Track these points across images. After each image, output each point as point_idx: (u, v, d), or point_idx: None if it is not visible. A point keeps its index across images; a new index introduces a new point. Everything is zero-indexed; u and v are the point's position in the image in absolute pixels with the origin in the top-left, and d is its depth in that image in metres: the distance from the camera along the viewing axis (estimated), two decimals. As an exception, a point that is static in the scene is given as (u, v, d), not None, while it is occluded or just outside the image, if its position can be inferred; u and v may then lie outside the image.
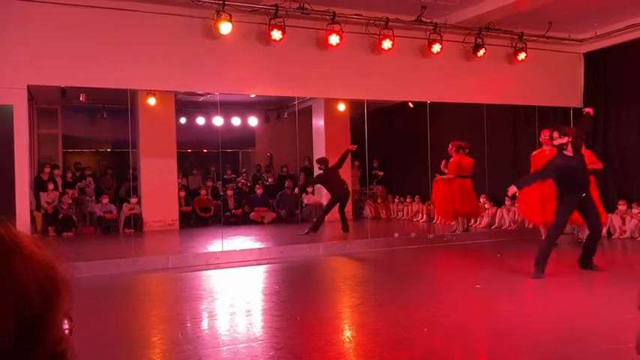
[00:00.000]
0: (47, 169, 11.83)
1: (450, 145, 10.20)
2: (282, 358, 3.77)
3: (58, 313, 0.67)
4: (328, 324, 4.75)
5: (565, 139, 6.08)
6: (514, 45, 9.91)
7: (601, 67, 10.51)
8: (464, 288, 5.89)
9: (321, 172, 10.26)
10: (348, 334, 4.54)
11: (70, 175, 12.62)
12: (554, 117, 10.85)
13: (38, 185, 11.54)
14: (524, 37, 9.84)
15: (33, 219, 10.26)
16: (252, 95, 11.09)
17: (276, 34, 8.12)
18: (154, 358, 3.98)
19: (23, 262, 0.65)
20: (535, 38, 9.95)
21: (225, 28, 7.78)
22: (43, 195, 11.36)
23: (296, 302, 5.62)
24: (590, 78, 10.70)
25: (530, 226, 9.96)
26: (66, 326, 0.70)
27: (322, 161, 10.33)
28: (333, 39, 8.47)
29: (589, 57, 10.67)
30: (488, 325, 4.67)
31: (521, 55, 9.90)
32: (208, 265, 7.81)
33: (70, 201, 11.44)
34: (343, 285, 6.67)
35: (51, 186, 11.50)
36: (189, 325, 4.84)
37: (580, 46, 10.61)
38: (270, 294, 6.21)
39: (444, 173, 10.37)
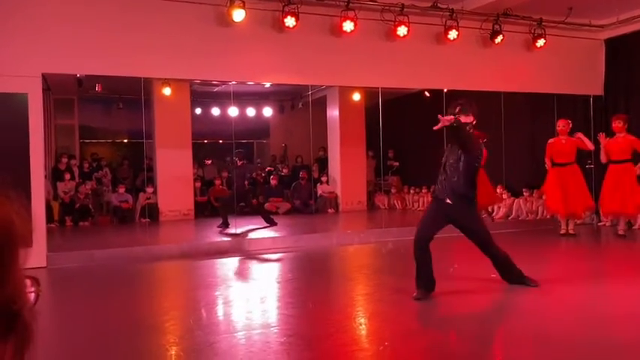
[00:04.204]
0: (64, 160, 11.97)
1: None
2: (294, 345, 3.73)
3: (13, 268, 0.63)
4: (341, 311, 4.70)
5: (469, 119, 5.09)
6: (533, 31, 9.70)
7: (623, 53, 10.24)
8: (479, 277, 5.79)
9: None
10: (360, 321, 4.49)
11: (87, 165, 12.75)
12: (573, 105, 10.63)
13: (55, 175, 11.69)
14: (543, 23, 9.63)
15: (50, 208, 10.39)
16: (267, 85, 11.04)
17: (290, 21, 8.04)
18: (166, 344, 3.97)
19: None
20: (554, 24, 9.73)
21: (239, 15, 7.72)
22: (60, 185, 11.51)
23: (309, 290, 5.58)
24: (611, 65, 10.44)
25: (548, 216, 9.79)
26: (31, 289, 0.67)
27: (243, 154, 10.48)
28: (348, 26, 8.36)
29: (610, 43, 10.40)
30: (503, 314, 4.59)
31: (540, 42, 9.69)
32: (223, 254, 7.82)
33: (89, 191, 11.56)
34: (357, 274, 6.62)
35: (68, 176, 11.65)
36: (202, 311, 4.83)
37: (601, 32, 10.36)
38: (284, 282, 6.18)
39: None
